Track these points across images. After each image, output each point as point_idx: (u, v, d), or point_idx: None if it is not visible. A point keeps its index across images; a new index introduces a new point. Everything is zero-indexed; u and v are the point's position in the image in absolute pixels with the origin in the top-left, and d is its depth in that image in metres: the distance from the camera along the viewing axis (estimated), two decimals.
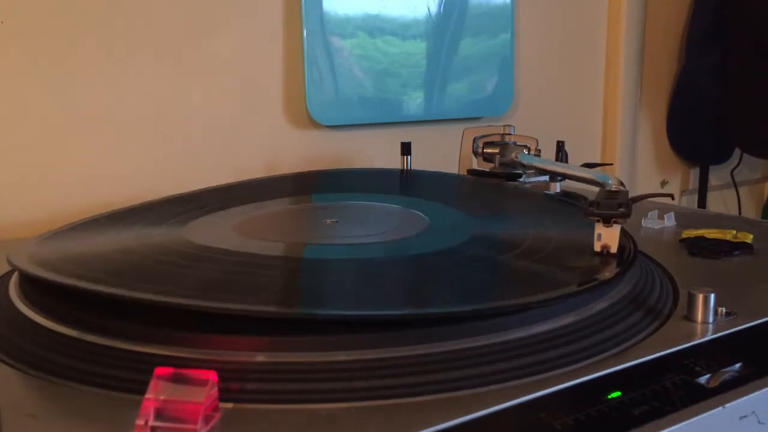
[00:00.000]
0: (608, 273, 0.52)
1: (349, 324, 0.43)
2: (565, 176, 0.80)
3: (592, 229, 0.56)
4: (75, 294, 0.47)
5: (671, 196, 0.69)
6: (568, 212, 0.71)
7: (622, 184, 0.64)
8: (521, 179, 0.85)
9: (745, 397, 0.41)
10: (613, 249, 0.55)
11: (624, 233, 0.57)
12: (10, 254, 0.54)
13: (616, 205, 0.55)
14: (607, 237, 0.55)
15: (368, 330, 0.43)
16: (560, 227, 0.66)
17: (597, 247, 0.55)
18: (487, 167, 0.88)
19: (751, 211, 1.57)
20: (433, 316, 0.45)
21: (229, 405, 0.38)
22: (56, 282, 0.48)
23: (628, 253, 0.55)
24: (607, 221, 0.55)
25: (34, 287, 0.51)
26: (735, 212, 1.49)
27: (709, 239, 0.69)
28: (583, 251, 0.56)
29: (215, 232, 0.63)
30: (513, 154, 0.84)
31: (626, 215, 0.54)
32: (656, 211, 0.78)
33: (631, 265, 0.54)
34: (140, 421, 0.35)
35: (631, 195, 0.58)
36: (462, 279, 0.53)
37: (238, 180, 0.87)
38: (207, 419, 0.36)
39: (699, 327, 0.49)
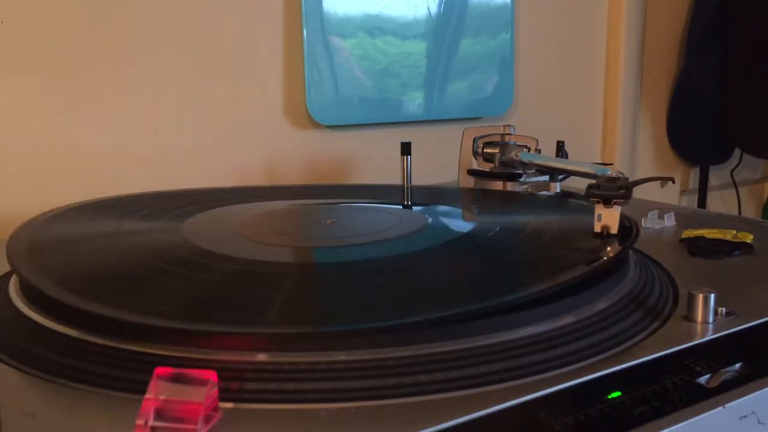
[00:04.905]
0: (615, 250, 0.53)
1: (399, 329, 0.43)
2: (565, 172, 0.80)
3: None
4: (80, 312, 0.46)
5: (672, 179, 0.69)
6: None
7: (621, 174, 0.65)
8: (521, 179, 0.85)
9: (745, 397, 0.40)
10: (614, 230, 0.56)
11: (625, 217, 0.58)
12: (10, 256, 0.53)
13: (616, 187, 0.56)
14: (608, 218, 0.56)
15: (368, 330, 0.43)
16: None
17: (597, 228, 0.56)
18: (487, 167, 0.88)
19: (751, 211, 1.57)
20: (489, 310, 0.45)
21: (229, 405, 0.38)
22: (69, 305, 0.46)
23: (633, 230, 0.57)
24: (608, 202, 0.56)
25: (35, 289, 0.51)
26: (735, 212, 1.49)
27: (709, 239, 0.69)
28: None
29: (215, 235, 0.63)
30: (513, 153, 0.84)
31: (626, 196, 0.56)
32: (656, 211, 0.78)
33: (637, 237, 0.55)
34: (140, 421, 0.35)
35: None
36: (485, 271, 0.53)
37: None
38: (207, 419, 0.36)
39: (699, 327, 0.49)
